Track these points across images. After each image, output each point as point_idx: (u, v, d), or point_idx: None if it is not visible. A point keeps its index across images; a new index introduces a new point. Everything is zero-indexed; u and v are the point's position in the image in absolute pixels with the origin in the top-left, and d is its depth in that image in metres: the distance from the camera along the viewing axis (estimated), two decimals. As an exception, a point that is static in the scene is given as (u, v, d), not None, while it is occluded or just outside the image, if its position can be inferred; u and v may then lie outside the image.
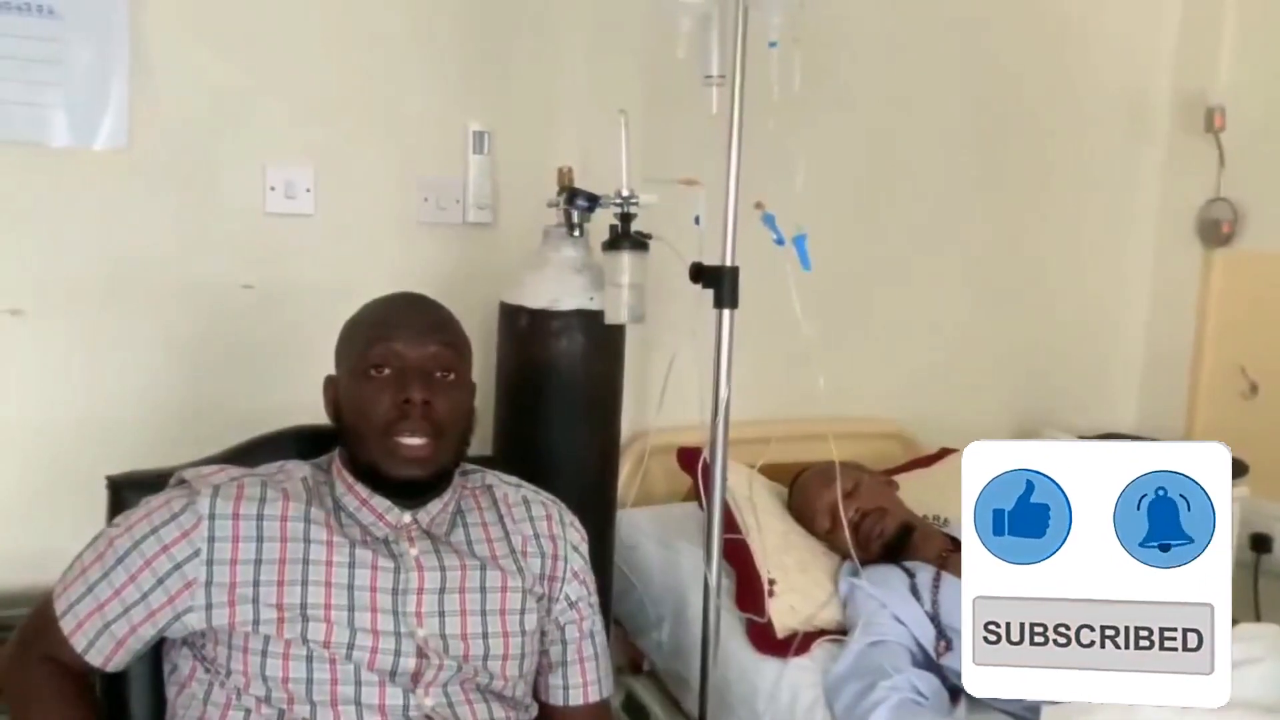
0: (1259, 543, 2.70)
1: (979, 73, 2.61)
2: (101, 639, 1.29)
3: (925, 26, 2.51)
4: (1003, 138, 2.67)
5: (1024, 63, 2.67)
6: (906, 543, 1.97)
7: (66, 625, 1.30)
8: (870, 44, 2.43)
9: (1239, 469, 2.60)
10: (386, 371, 1.34)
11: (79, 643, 1.29)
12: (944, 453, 2.42)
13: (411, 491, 1.36)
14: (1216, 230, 2.82)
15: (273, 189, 1.90)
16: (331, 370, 1.42)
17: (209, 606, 1.28)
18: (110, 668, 1.32)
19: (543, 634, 1.45)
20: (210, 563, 1.28)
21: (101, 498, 1.45)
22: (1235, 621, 1.89)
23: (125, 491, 1.43)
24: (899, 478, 2.20)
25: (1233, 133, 2.76)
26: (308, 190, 1.92)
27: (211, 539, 1.28)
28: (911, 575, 1.90)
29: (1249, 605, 2.66)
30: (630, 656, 2.16)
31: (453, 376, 1.37)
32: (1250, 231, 2.78)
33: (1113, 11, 2.80)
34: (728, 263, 1.67)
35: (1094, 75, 2.79)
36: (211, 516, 1.29)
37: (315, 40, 1.91)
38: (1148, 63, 2.87)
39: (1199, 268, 2.87)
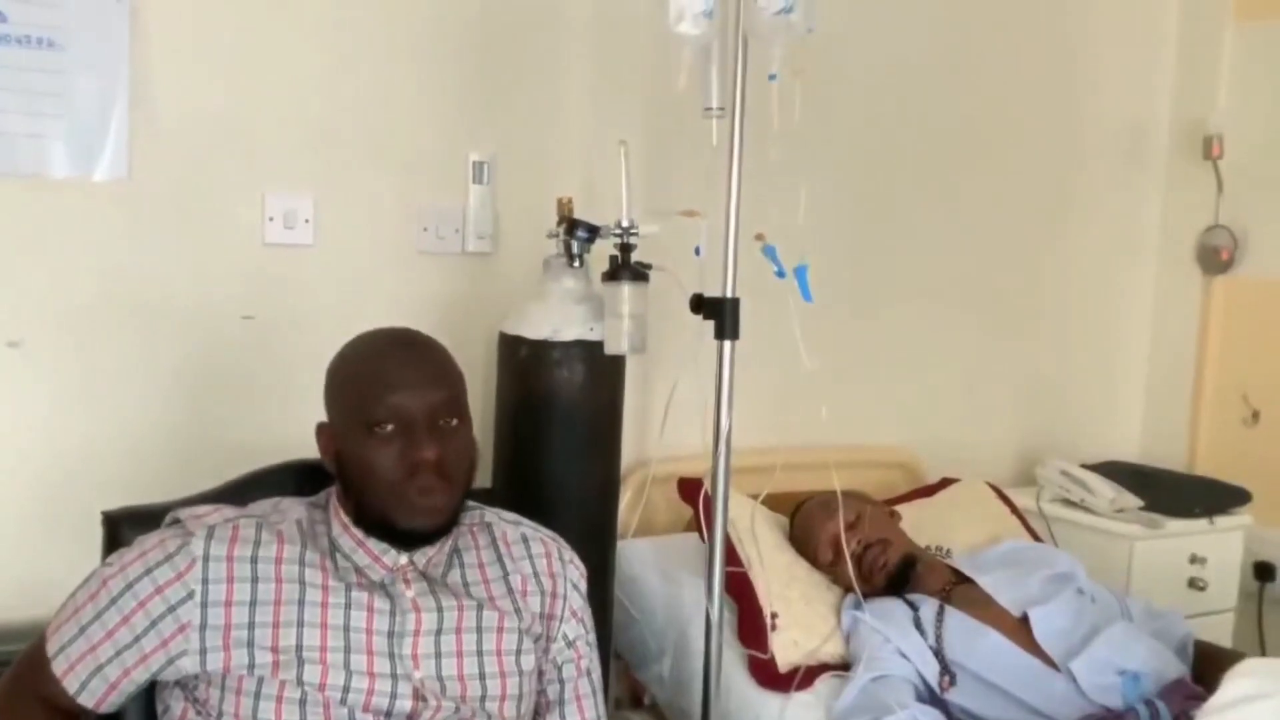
0: (1262, 571, 2.68)
1: (978, 102, 2.61)
2: (94, 681, 1.27)
3: (925, 57, 2.51)
4: (1003, 167, 2.67)
5: (1024, 92, 2.68)
6: (909, 575, 1.95)
7: (58, 666, 1.28)
8: (870, 76, 2.43)
9: (1241, 497, 2.59)
10: (390, 427, 1.30)
11: (71, 684, 1.28)
12: (945, 482, 2.41)
13: (417, 542, 1.34)
14: (1215, 257, 2.82)
15: (271, 219, 1.89)
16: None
17: (204, 650, 1.26)
18: (103, 709, 1.30)
19: (540, 674, 1.43)
20: (205, 605, 1.26)
21: (97, 532, 1.43)
22: (1240, 654, 1.91)
23: (121, 527, 1.42)
24: (900, 507, 2.19)
25: (1231, 160, 2.77)
26: (307, 220, 1.91)
27: (206, 581, 1.27)
28: (915, 608, 1.88)
29: (1253, 635, 2.64)
30: (631, 690, 2.14)
31: (456, 421, 1.34)
32: (1249, 258, 2.78)
33: (1111, 41, 2.81)
34: (729, 294, 1.66)
35: (1093, 104, 2.80)
36: (206, 558, 1.28)
37: (315, 70, 1.91)
38: (1146, 91, 2.88)
39: (1199, 295, 2.87)
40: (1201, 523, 2.52)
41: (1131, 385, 2.96)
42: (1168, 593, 2.41)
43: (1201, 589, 2.50)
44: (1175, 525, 2.48)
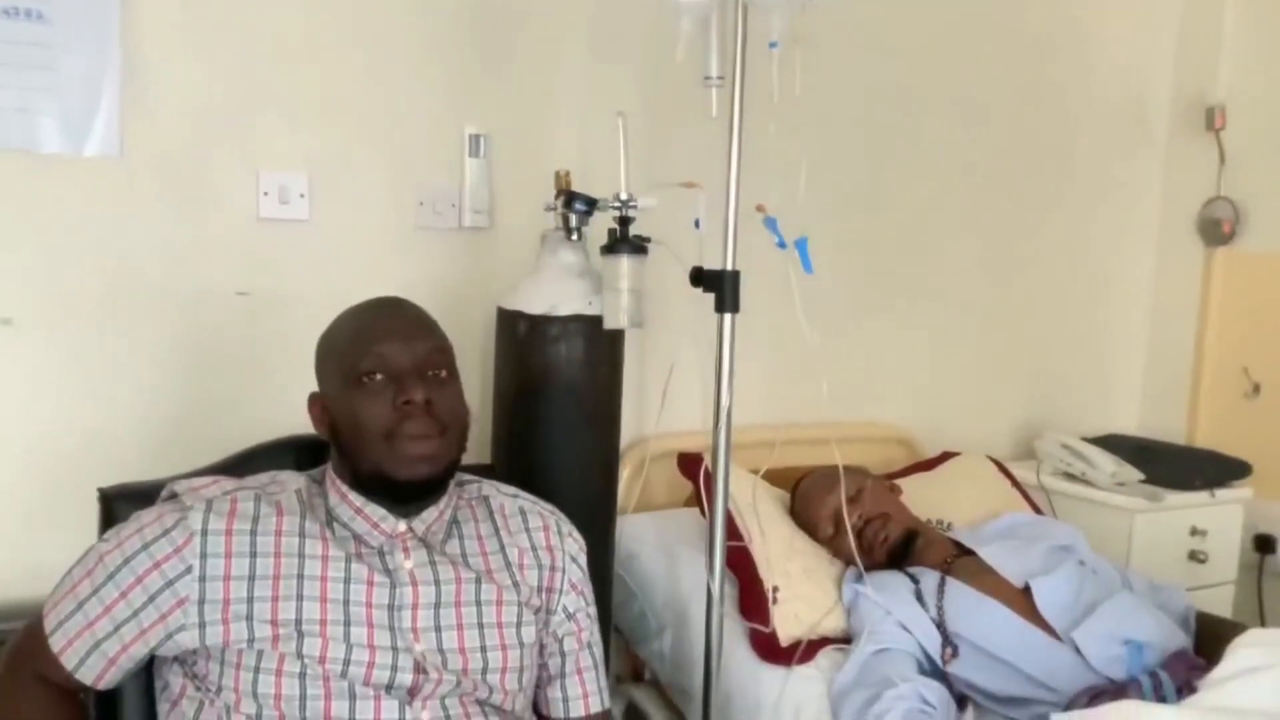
0: (1263, 544, 2.69)
1: (979, 74, 2.60)
2: (92, 657, 1.27)
3: (925, 30, 2.49)
4: (1004, 139, 2.66)
5: (1025, 65, 2.66)
6: (910, 548, 1.95)
7: (56, 643, 1.27)
8: (870, 48, 2.41)
9: (1242, 470, 2.59)
10: (379, 377, 1.31)
11: (69, 660, 1.27)
12: (945, 456, 2.41)
13: (414, 495, 1.34)
14: (1217, 229, 2.81)
15: (266, 194, 1.87)
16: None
17: (202, 624, 1.25)
18: (102, 685, 1.30)
19: (541, 647, 1.42)
20: (203, 579, 1.25)
21: (93, 510, 1.42)
22: (1241, 626, 1.91)
23: (117, 504, 1.41)
24: (900, 481, 2.18)
25: (1233, 131, 2.76)
26: (302, 196, 1.89)
27: (204, 555, 1.26)
28: (916, 581, 1.88)
29: (1253, 607, 2.65)
30: (631, 665, 2.14)
31: (445, 374, 1.36)
32: (1251, 231, 2.77)
33: (1113, 12, 2.79)
34: (729, 267, 1.65)
35: (1095, 76, 2.78)
36: (204, 532, 1.27)
37: (308, 44, 1.89)
38: (1148, 63, 2.86)
39: (1200, 267, 2.87)
40: (1202, 495, 2.52)
41: (1132, 358, 2.96)
42: (1168, 565, 2.42)
43: (1202, 561, 2.50)
44: (1176, 498, 2.48)
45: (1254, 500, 2.60)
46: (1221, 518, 2.55)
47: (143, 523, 1.29)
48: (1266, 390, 2.74)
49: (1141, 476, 2.49)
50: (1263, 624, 2.58)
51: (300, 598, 1.27)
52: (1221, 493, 2.55)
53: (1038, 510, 2.31)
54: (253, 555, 1.28)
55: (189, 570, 1.25)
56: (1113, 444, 2.60)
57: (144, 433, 1.79)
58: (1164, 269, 2.93)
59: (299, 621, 1.26)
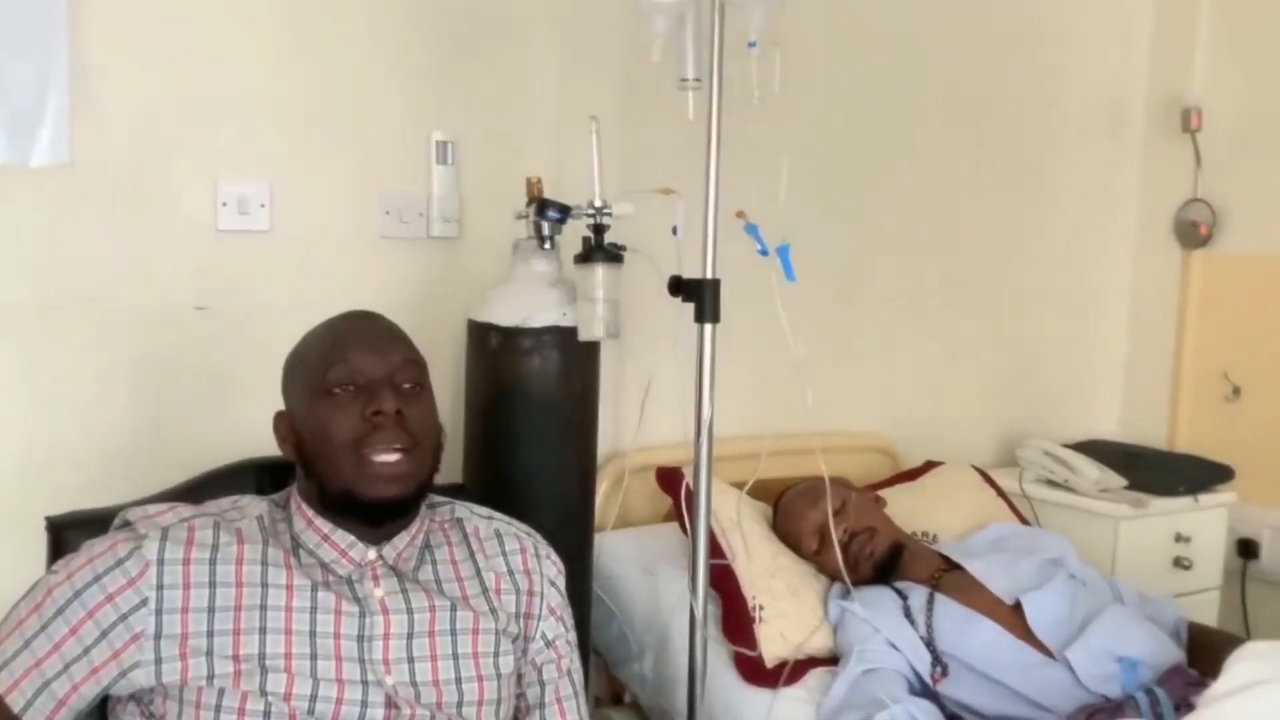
0: (1245, 548, 2.67)
1: (956, 78, 2.58)
2: (40, 698, 1.19)
3: (903, 33, 2.47)
4: (981, 143, 2.65)
5: (1001, 67, 2.66)
6: (897, 563, 1.91)
7: (1, 684, 1.20)
8: (848, 51, 2.39)
9: (1224, 474, 2.57)
10: (349, 388, 1.26)
11: (15, 702, 1.20)
12: (929, 466, 2.37)
13: (383, 517, 1.28)
14: (1194, 232, 2.80)
15: (225, 205, 1.81)
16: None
17: (158, 661, 1.18)
18: (51, 728, 1.22)
19: (519, 676, 1.36)
20: (159, 613, 1.19)
21: (40, 540, 1.36)
22: (1234, 636, 1.88)
23: (67, 533, 1.34)
24: (884, 492, 2.15)
25: (1209, 133, 2.75)
26: (262, 206, 1.83)
27: (160, 587, 1.20)
28: (904, 597, 1.84)
29: (1237, 612, 2.63)
30: (611, 687, 2.08)
31: (418, 387, 1.31)
32: (1228, 233, 2.76)
33: (1088, 14, 2.78)
34: (709, 275, 1.60)
35: (1069, 79, 2.78)
36: (160, 562, 1.21)
37: (268, 48, 1.83)
38: (1123, 65, 2.86)
39: (1178, 270, 2.85)
40: (1185, 501, 2.50)
41: (1111, 362, 2.94)
42: (1153, 572, 2.39)
43: (1187, 568, 2.48)
44: (1159, 504, 2.45)
45: (1236, 505, 2.58)
46: (1205, 523, 2.53)
47: (94, 553, 1.23)
48: (1247, 393, 2.73)
49: (1125, 483, 2.47)
50: (1247, 629, 2.57)
51: (263, 630, 1.21)
52: (1204, 498, 2.53)
53: (1023, 520, 2.28)
54: (212, 585, 1.21)
55: (144, 603, 1.19)
56: (1095, 450, 2.58)
57: (95, 457, 1.71)
58: (1142, 272, 2.92)
59: (262, 656, 1.20)
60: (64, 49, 1.66)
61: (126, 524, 1.27)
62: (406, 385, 1.29)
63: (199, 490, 1.40)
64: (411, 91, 1.94)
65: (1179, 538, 2.48)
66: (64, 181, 1.69)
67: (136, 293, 1.75)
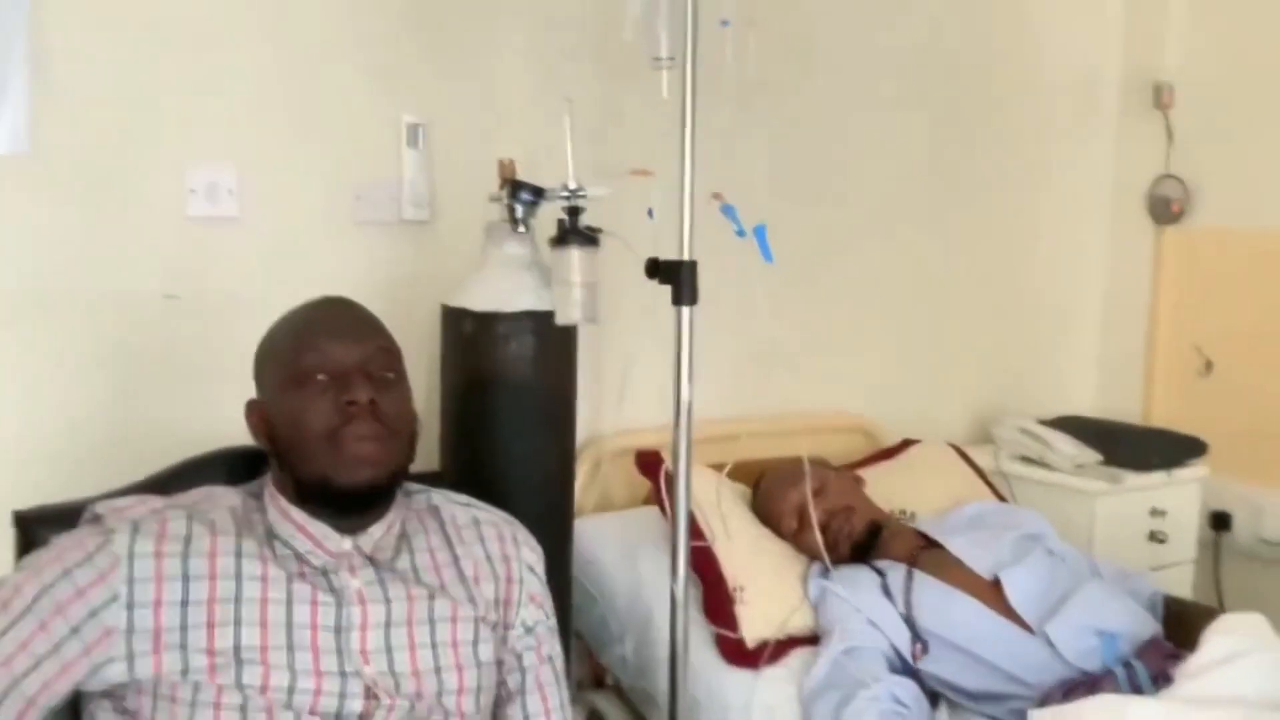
0: (1219, 521, 2.69)
1: (930, 54, 2.57)
2: (10, 698, 1.17)
3: (876, 10, 2.45)
4: (954, 121, 2.64)
5: (975, 44, 2.65)
6: (876, 541, 1.92)
7: (-31, 684, 1.17)
8: (819, 28, 2.37)
9: (1198, 449, 2.59)
10: (322, 377, 1.25)
11: (-15, 701, 1.17)
12: (906, 444, 2.37)
13: (357, 506, 1.27)
14: (1166, 208, 2.81)
15: (193, 191, 1.77)
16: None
17: (131, 656, 1.17)
18: (23, 727, 1.20)
19: (499, 664, 1.35)
20: (131, 607, 1.17)
21: (7, 535, 1.33)
22: (1210, 609, 1.89)
23: (35, 528, 1.32)
24: (862, 471, 2.15)
25: (1181, 109, 2.75)
26: (231, 192, 1.80)
27: (131, 580, 1.18)
28: (882, 575, 1.84)
29: (1210, 584, 2.65)
30: (593, 671, 2.08)
31: (392, 375, 1.30)
32: (1200, 208, 2.78)
33: (1061, -11, 2.77)
34: (686, 257, 1.58)
35: (1044, 55, 2.77)
36: (131, 555, 1.19)
37: (234, 31, 1.79)
38: (1096, 41, 2.85)
39: (1151, 246, 2.86)
40: (1160, 475, 2.52)
41: (1086, 338, 2.96)
42: (1129, 547, 2.41)
43: (1162, 542, 2.50)
44: (1135, 479, 2.47)
45: (1209, 478, 2.60)
46: (1179, 497, 2.55)
47: (62, 548, 1.21)
48: (1219, 367, 2.75)
49: (1100, 458, 2.48)
50: (1221, 601, 2.60)
51: (238, 623, 1.19)
52: (1179, 472, 2.55)
53: (1000, 497, 2.29)
54: (185, 579, 1.20)
55: (115, 598, 1.17)
56: (1070, 426, 2.59)
57: (62, 448, 1.68)
58: (1115, 248, 2.93)
59: (237, 648, 1.18)
60: (24, 31, 1.62)
61: (96, 518, 1.25)
62: (380, 374, 1.28)
63: (171, 481, 1.38)
64: (381, 73, 1.91)
65: (1154, 512, 2.50)
66: (24, 170, 1.65)
67: (104, 282, 1.72)
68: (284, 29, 1.83)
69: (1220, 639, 1.51)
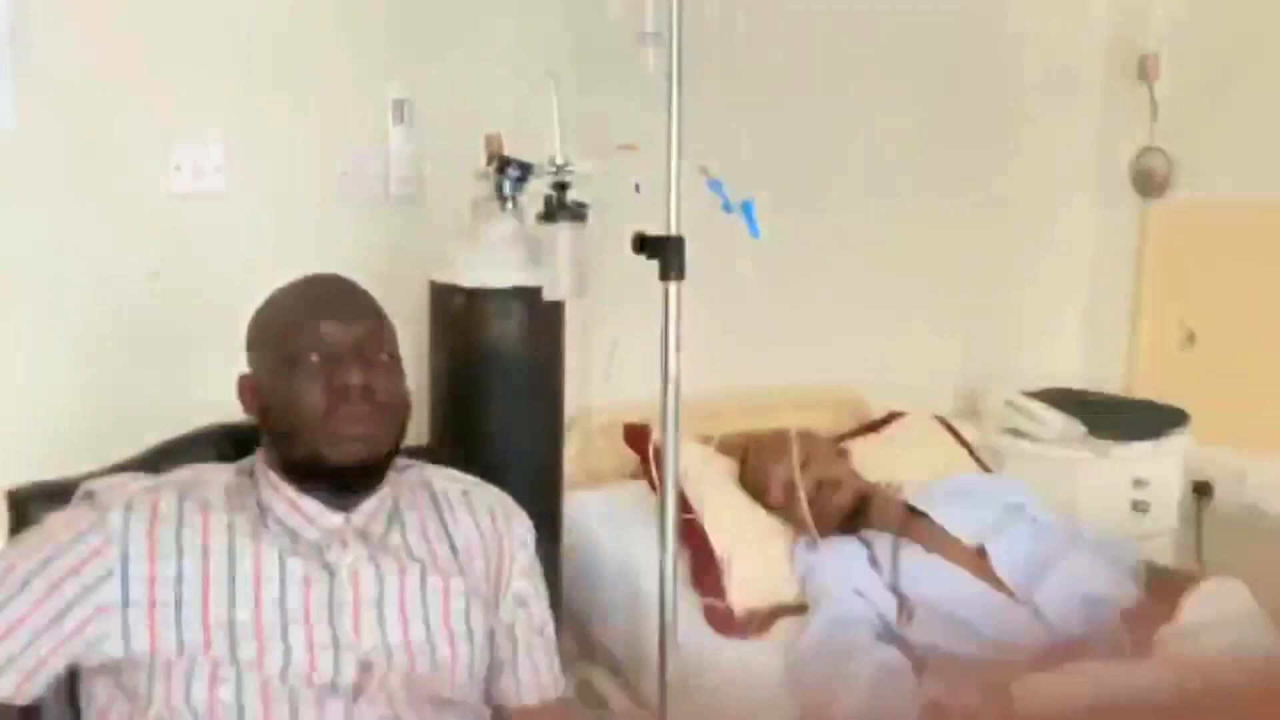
0: (1201, 490, 2.72)
1: (914, 27, 2.56)
2: (5, 674, 1.18)
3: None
4: (939, 93, 2.63)
5: (959, 16, 2.63)
6: (862, 513, 1.93)
7: (-36, 660, 1.18)
8: (805, 3, 2.35)
9: (1180, 419, 2.61)
10: (316, 358, 1.24)
11: (-19, 678, 1.18)
12: (892, 416, 2.39)
13: (349, 483, 1.27)
14: (1150, 181, 2.82)
15: (178, 168, 1.77)
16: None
17: (126, 633, 1.17)
18: (21, 701, 1.20)
19: (491, 635, 1.36)
20: (125, 583, 1.18)
21: (1, 513, 1.33)
22: (1190, 574, 1.92)
23: (29, 505, 1.32)
24: (849, 444, 2.16)
25: (1165, 80, 2.76)
26: (217, 168, 1.80)
27: (125, 557, 1.18)
28: (869, 545, 1.86)
29: (1193, 552, 2.69)
30: (583, 644, 2.09)
31: (387, 356, 1.30)
32: (1184, 180, 2.79)
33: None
34: (673, 232, 1.59)
35: (1026, 27, 2.76)
36: (124, 533, 1.19)
37: (220, 5, 1.78)
38: (1081, 13, 2.84)
39: (1135, 218, 2.88)
40: (1144, 446, 2.54)
41: (1070, 310, 2.97)
42: (1113, 517, 2.44)
43: (1145, 511, 2.53)
44: (1119, 450, 2.49)
45: (1191, 448, 2.63)
46: (1162, 467, 2.58)
47: (55, 526, 1.21)
48: (1202, 339, 2.77)
49: (1085, 430, 2.50)
50: (1202, 569, 2.63)
51: (232, 598, 1.20)
52: (1161, 442, 2.57)
53: (986, 468, 2.31)
54: (179, 555, 1.20)
55: (109, 575, 1.18)
56: (1054, 397, 2.61)
57: (52, 426, 1.69)
58: (1100, 220, 2.95)
59: (231, 624, 1.19)
60: (5, 8, 1.61)
61: (88, 496, 1.25)
62: (374, 355, 1.27)
63: (163, 458, 1.38)
64: (366, 49, 1.91)
65: (1137, 482, 2.53)
66: (8, 147, 1.64)
67: (89, 259, 1.72)
68: (269, 4, 1.82)
69: (1200, 604, 1.53)
